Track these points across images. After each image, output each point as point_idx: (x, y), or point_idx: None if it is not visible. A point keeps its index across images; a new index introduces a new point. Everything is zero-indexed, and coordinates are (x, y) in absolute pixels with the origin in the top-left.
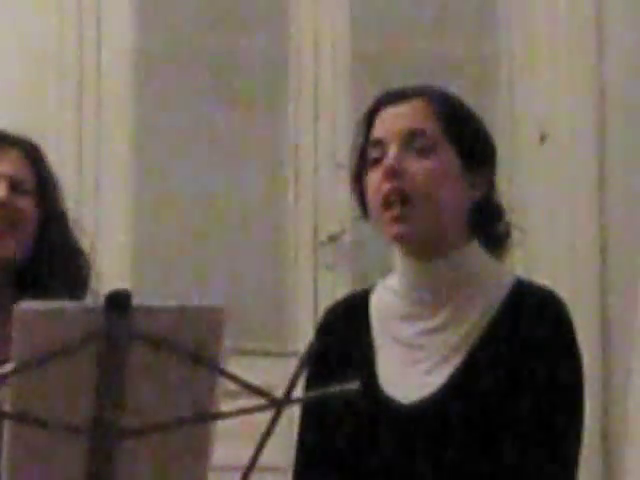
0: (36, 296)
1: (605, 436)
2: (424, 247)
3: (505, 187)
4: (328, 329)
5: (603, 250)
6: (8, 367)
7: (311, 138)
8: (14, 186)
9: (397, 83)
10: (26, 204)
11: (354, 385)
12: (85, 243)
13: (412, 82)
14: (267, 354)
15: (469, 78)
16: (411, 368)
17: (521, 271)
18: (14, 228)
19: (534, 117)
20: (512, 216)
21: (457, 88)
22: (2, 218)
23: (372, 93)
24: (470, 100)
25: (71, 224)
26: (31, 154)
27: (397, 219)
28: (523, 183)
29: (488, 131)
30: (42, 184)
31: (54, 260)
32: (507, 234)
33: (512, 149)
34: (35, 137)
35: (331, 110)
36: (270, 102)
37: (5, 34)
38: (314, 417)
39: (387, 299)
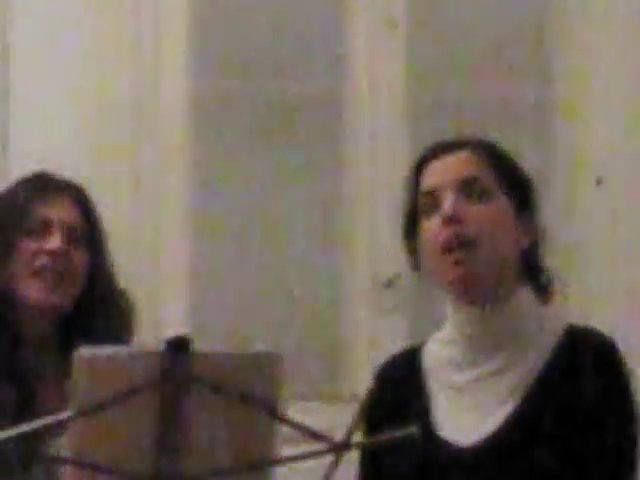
0: (82, 343)
1: None
2: (480, 292)
3: (563, 228)
4: (384, 380)
5: None
6: (67, 413)
7: (367, 182)
8: (68, 234)
9: (454, 128)
10: (79, 256)
11: (413, 429)
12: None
13: (470, 127)
14: (323, 398)
15: (526, 123)
16: (467, 413)
17: (578, 312)
18: (66, 279)
19: (590, 161)
20: (571, 256)
21: (514, 133)
22: (55, 268)
23: (429, 138)
24: (528, 145)
25: (114, 269)
26: (81, 199)
27: (458, 262)
28: (581, 224)
29: (528, 177)
30: (92, 231)
31: (101, 309)
32: (551, 280)
33: (570, 192)
34: (93, 180)
35: (389, 154)
36: (326, 147)
37: (61, 79)
38: (372, 465)
39: (440, 351)
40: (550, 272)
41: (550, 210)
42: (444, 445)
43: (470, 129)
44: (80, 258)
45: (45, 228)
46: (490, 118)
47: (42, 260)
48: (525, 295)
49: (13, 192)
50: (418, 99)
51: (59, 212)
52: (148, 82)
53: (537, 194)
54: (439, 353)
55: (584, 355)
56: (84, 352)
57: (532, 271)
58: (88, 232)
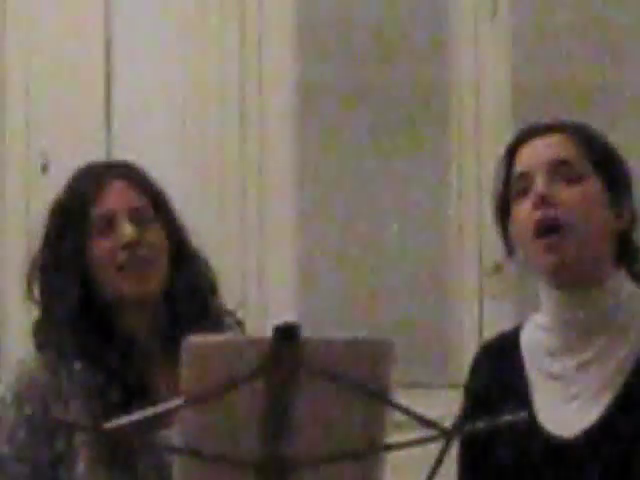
0: (178, 323)
1: None
2: (575, 277)
3: None
4: (481, 367)
5: None
6: (177, 401)
7: (473, 167)
8: (134, 218)
9: (557, 112)
10: (154, 234)
11: (525, 414)
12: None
13: (572, 110)
14: (431, 386)
15: (631, 108)
16: (566, 404)
17: None
18: (150, 262)
19: None
20: None
21: (616, 118)
22: (137, 257)
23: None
24: (632, 130)
25: (192, 247)
26: (134, 178)
27: (551, 247)
28: None
29: (622, 160)
30: (156, 205)
31: (187, 286)
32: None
33: None
34: (199, 170)
35: (493, 138)
36: (432, 134)
37: (169, 70)
38: (472, 450)
39: (537, 336)
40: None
41: None
42: (545, 436)
43: (572, 113)
44: (155, 237)
45: (110, 222)
46: (592, 102)
47: (122, 255)
48: (621, 278)
49: (71, 193)
50: (522, 83)
51: (118, 200)
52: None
53: (630, 176)
54: (535, 338)
55: None
56: (193, 340)
57: (627, 254)
58: (152, 207)
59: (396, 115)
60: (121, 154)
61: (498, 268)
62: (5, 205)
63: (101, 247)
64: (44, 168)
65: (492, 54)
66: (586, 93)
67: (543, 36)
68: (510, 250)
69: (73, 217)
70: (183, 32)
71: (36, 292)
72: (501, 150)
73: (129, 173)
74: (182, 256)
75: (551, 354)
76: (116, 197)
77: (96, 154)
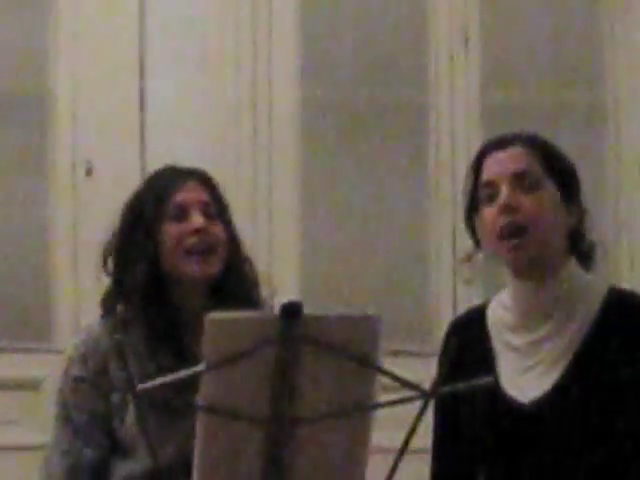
0: (225, 306)
1: None
2: (535, 270)
3: (613, 207)
4: (452, 339)
5: None
6: (199, 367)
7: (448, 174)
8: (204, 212)
9: (520, 128)
10: (217, 229)
11: (491, 379)
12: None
13: (535, 128)
14: (413, 354)
15: (582, 122)
16: (525, 373)
17: (627, 274)
18: (213, 251)
19: (635, 152)
20: (621, 228)
21: (571, 131)
22: (204, 244)
23: None
24: (583, 140)
25: (240, 241)
26: (206, 181)
27: (514, 248)
28: (627, 204)
29: (571, 164)
30: (220, 206)
31: (238, 276)
32: (594, 250)
33: (617, 178)
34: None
35: (465, 151)
36: (414, 144)
37: (192, 94)
38: (445, 410)
39: (500, 313)
40: (593, 244)
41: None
42: (506, 399)
43: (533, 128)
44: (219, 230)
45: (184, 211)
46: (550, 119)
47: (191, 240)
48: (572, 268)
49: (150, 186)
50: (489, 104)
51: (192, 195)
52: (263, 91)
53: (578, 178)
54: (499, 314)
55: (625, 314)
56: (213, 316)
57: (577, 245)
58: (217, 208)
59: (383, 129)
60: (150, 163)
61: (468, 257)
62: (56, 201)
63: (173, 231)
64: (88, 172)
65: (464, 79)
66: (545, 110)
67: (507, 64)
68: (477, 244)
69: (150, 204)
70: (204, 63)
71: (109, 267)
72: (470, 158)
73: (202, 177)
74: (235, 252)
75: (511, 329)
76: (190, 192)
77: (131, 160)
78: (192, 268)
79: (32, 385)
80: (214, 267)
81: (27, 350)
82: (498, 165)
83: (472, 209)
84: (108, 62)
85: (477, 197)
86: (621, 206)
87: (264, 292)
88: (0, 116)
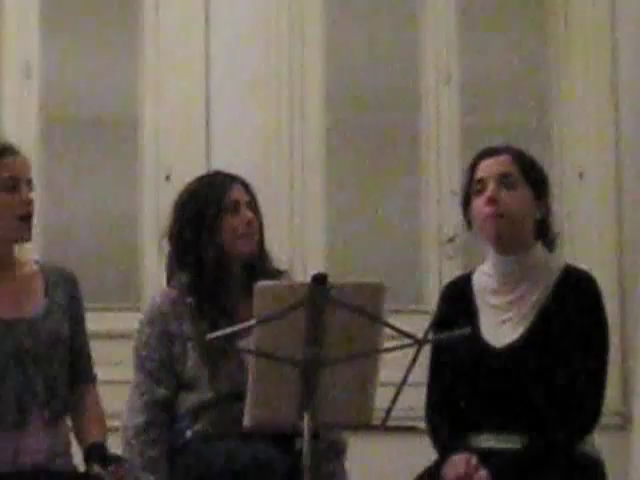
0: (255, 277)
1: (622, 357)
2: (509, 247)
3: (557, 209)
4: (446, 298)
5: (618, 247)
6: (251, 322)
7: (435, 178)
8: (249, 206)
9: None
10: (255, 219)
11: (469, 330)
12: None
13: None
14: (406, 311)
15: (533, 140)
16: (501, 326)
17: (570, 258)
18: (255, 235)
19: (576, 162)
20: (563, 226)
21: (527, 146)
22: (251, 231)
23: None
24: (535, 153)
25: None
26: (245, 184)
27: (495, 230)
28: (570, 207)
29: (543, 171)
30: (256, 204)
31: (264, 254)
32: (556, 237)
33: (561, 184)
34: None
35: (448, 166)
36: (409, 158)
37: (241, 113)
38: (438, 352)
39: (483, 279)
40: (555, 234)
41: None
42: (485, 345)
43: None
44: (256, 221)
45: (236, 206)
46: (510, 137)
47: (242, 229)
48: (538, 249)
49: (209, 186)
50: (469, 127)
51: (240, 194)
52: (296, 119)
53: (548, 184)
54: (482, 280)
55: (575, 287)
56: (260, 284)
57: (543, 233)
58: (254, 204)
59: (385, 143)
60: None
61: (451, 239)
62: (143, 201)
63: (229, 222)
64: (167, 178)
65: (447, 107)
66: (507, 130)
67: (484, 92)
68: (470, 225)
69: (211, 201)
70: (253, 93)
71: (176, 246)
72: (453, 170)
73: (242, 180)
74: (262, 237)
75: (491, 292)
76: (237, 192)
77: (199, 169)
78: (240, 248)
79: (127, 335)
80: (253, 248)
81: (125, 309)
82: (488, 167)
83: (467, 199)
84: (181, 93)
85: (470, 191)
86: (564, 207)
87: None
88: (101, 136)
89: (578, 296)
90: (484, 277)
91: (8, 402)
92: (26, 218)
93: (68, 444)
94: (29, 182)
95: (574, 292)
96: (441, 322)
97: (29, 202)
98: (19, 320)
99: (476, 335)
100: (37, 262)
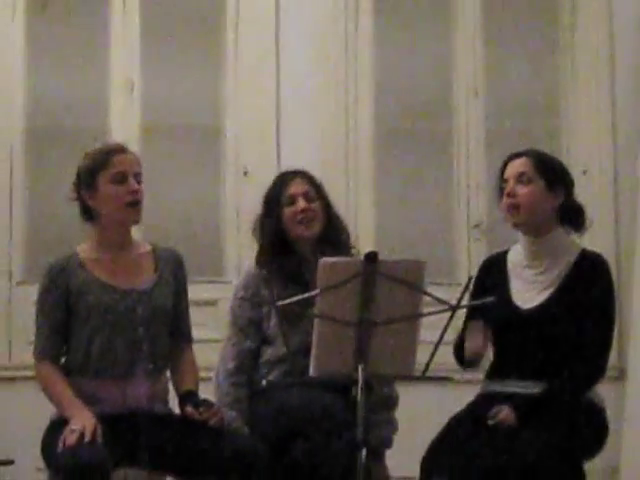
0: (326, 252)
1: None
2: (530, 231)
3: None
4: (484, 270)
5: (616, 232)
6: (315, 292)
7: (465, 173)
8: (306, 198)
9: (513, 149)
10: (315, 206)
11: (492, 299)
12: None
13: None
14: (441, 283)
15: (545, 143)
16: (528, 292)
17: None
18: (315, 220)
19: (580, 161)
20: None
21: (539, 148)
22: (307, 218)
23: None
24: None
25: (336, 213)
26: (309, 178)
27: (513, 219)
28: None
29: (562, 167)
30: (320, 193)
31: (333, 234)
32: (581, 214)
33: None
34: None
35: (476, 164)
36: (443, 152)
37: (307, 118)
38: (474, 310)
39: (516, 255)
40: (580, 206)
41: None
42: (515, 308)
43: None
44: (316, 207)
45: (293, 199)
46: (526, 140)
47: (299, 216)
48: (560, 232)
49: (274, 184)
50: (493, 131)
51: (298, 187)
52: (350, 125)
53: (563, 175)
54: (514, 256)
55: (590, 267)
56: (323, 260)
57: (568, 216)
58: (316, 193)
59: (424, 144)
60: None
61: (477, 225)
62: (225, 192)
63: (288, 213)
64: (245, 173)
65: (476, 115)
66: (532, 136)
67: (505, 103)
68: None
69: (274, 199)
70: (315, 101)
71: (257, 235)
72: (479, 167)
73: (303, 174)
74: (330, 219)
75: (521, 265)
76: (295, 186)
77: (271, 166)
78: (300, 231)
79: (212, 303)
80: (313, 230)
81: (209, 281)
82: (510, 169)
83: (500, 194)
84: (256, 104)
85: (502, 187)
86: None
87: (353, 245)
88: (191, 140)
89: (592, 273)
90: (517, 253)
91: (119, 356)
92: (133, 204)
93: (166, 392)
94: (137, 175)
95: (589, 269)
96: (479, 289)
97: (136, 191)
98: (133, 290)
99: (507, 299)
100: (150, 244)
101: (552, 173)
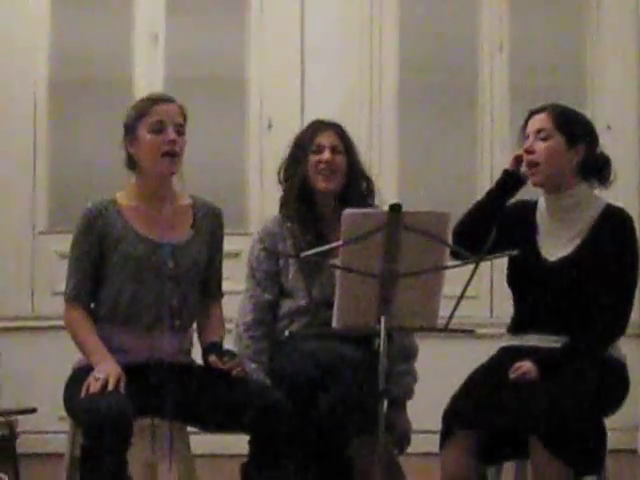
0: (347, 206)
1: None
2: (551, 187)
3: None
4: (512, 216)
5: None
6: (339, 243)
7: (489, 128)
8: (332, 150)
9: (537, 105)
10: (340, 160)
11: (515, 252)
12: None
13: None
14: None
15: (569, 98)
16: (555, 243)
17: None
18: (336, 173)
19: (604, 116)
20: None
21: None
22: (330, 169)
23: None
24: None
25: (363, 171)
26: (338, 131)
27: (533, 175)
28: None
29: (586, 122)
30: (347, 147)
31: (356, 188)
32: (607, 177)
33: None
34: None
35: (501, 112)
36: (468, 109)
37: (332, 73)
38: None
39: (543, 205)
40: (605, 157)
41: None
42: (542, 257)
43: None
44: (340, 161)
45: (320, 148)
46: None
47: (322, 166)
48: (582, 187)
49: (304, 131)
50: (517, 88)
51: (328, 139)
52: (375, 77)
53: (586, 130)
54: (542, 207)
55: (614, 221)
56: (347, 211)
57: (591, 170)
58: (344, 145)
59: (450, 101)
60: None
61: None
62: (249, 144)
63: (312, 161)
64: (269, 126)
65: (499, 70)
66: (556, 91)
67: (530, 58)
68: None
69: (303, 144)
70: (343, 57)
71: (281, 177)
72: (503, 122)
73: (337, 128)
74: (354, 174)
75: (547, 218)
76: (325, 137)
77: (294, 118)
78: (321, 184)
79: (235, 255)
80: (334, 183)
81: (233, 233)
82: (530, 125)
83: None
84: (281, 57)
85: (523, 140)
86: None
87: (377, 199)
88: (215, 92)
89: (616, 227)
90: (544, 204)
91: (146, 309)
92: (169, 155)
93: (190, 344)
94: (178, 126)
95: (614, 224)
96: (504, 236)
97: (173, 141)
98: (167, 244)
99: (535, 251)
100: (191, 197)
101: (573, 128)
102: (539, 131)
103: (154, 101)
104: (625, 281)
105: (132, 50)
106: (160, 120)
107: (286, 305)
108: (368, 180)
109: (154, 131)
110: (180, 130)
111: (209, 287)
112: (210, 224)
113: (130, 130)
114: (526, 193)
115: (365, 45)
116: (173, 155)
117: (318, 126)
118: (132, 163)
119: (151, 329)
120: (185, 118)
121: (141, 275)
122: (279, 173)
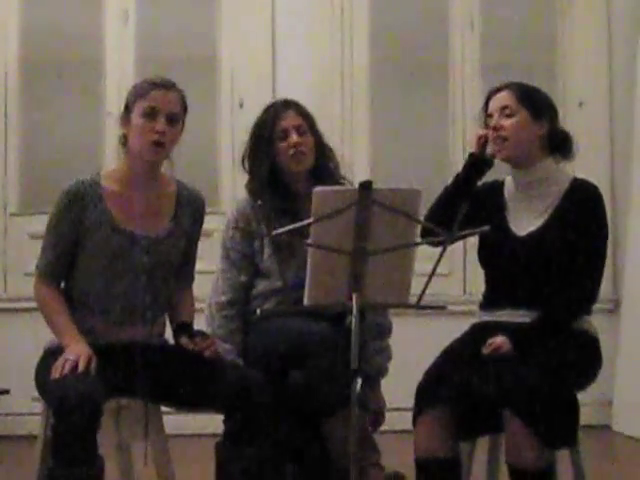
0: (318, 184)
1: (613, 252)
2: (518, 163)
3: None
4: (480, 197)
5: (610, 161)
6: (310, 220)
7: (460, 105)
8: (298, 131)
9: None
10: (307, 140)
11: (487, 227)
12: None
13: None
14: None
15: (541, 76)
16: (522, 219)
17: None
18: (306, 154)
19: (576, 94)
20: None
21: (535, 81)
22: (300, 151)
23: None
24: (542, 86)
25: (327, 145)
26: (301, 111)
27: (500, 151)
28: (571, 130)
29: (545, 97)
30: (311, 126)
31: (325, 167)
32: (568, 141)
33: (565, 112)
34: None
35: (473, 90)
36: (439, 86)
37: (304, 50)
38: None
39: (510, 183)
40: (566, 133)
41: None
42: (511, 232)
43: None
44: (308, 141)
45: (286, 133)
46: (521, 74)
47: (292, 150)
48: (547, 162)
49: (263, 117)
50: (487, 61)
51: (291, 121)
52: (346, 55)
53: (547, 105)
54: (510, 185)
55: (581, 194)
56: (317, 189)
57: (555, 144)
58: (308, 125)
59: (421, 77)
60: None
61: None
62: (221, 123)
63: (281, 146)
64: (241, 105)
65: (470, 47)
66: (518, 67)
67: (500, 36)
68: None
69: (266, 131)
70: (313, 35)
71: (246, 165)
72: (475, 99)
73: (296, 107)
74: (322, 152)
75: (515, 194)
76: (288, 120)
77: (267, 96)
78: (293, 165)
79: (208, 234)
80: (305, 164)
81: (207, 213)
82: (493, 103)
83: (484, 126)
84: (252, 35)
85: (485, 120)
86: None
87: (345, 175)
88: (187, 71)
89: (584, 200)
90: (510, 182)
91: (118, 301)
92: (155, 144)
93: (163, 328)
94: (171, 115)
95: (581, 197)
96: (474, 216)
97: (161, 132)
98: (144, 237)
99: (504, 225)
100: (177, 183)
101: (535, 102)
102: (504, 108)
103: (153, 85)
104: (594, 253)
105: (103, 29)
106: (153, 106)
107: (260, 285)
108: (331, 151)
109: (146, 115)
110: (174, 119)
111: (182, 273)
112: (191, 215)
113: (126, 109)
114: (492, 174)
115: (336, 24)
116: (158, 145)
117: (277, 109)
118: (125, 140)
119: (122, 320)
120: (184, 108)
121: (114, 268)
122: (243, 162)
